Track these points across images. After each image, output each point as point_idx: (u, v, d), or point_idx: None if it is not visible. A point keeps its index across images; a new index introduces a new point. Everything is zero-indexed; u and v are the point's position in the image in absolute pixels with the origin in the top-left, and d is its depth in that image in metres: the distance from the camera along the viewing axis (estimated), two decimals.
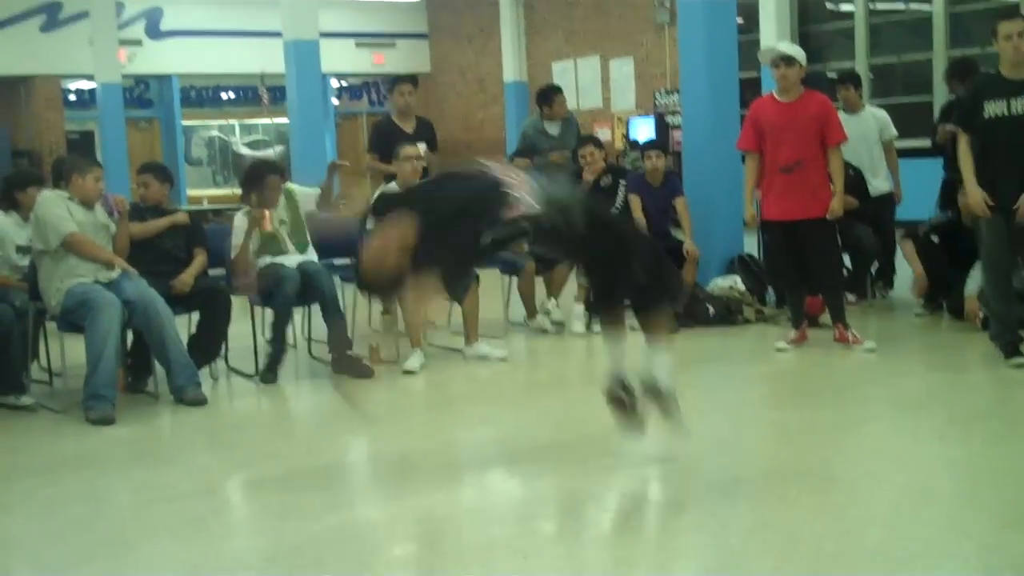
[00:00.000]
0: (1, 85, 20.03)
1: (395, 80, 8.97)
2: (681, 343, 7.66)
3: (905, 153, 9.24)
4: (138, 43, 19.86)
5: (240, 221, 7.14)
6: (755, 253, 8.53)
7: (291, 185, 7.46)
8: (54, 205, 6.37)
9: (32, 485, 5.05)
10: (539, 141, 9.21)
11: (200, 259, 6.99)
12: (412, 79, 8.97)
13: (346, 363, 6.82)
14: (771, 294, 8.32)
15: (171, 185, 7.37)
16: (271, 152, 21.52)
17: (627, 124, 17.37)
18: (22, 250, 6.86)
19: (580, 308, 8.14)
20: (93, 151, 19.15)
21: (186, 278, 6.79)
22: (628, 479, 5.00)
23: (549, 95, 9.41)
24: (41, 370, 7.07)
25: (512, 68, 19.84)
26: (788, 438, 5.36)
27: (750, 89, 11.76)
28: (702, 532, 4.08)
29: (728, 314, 8.01)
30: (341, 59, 20.40)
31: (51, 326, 6.77)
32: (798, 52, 7.10)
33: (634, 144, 16.44)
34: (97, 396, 6.03)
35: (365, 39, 21.75)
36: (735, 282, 8.12)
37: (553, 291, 8.32)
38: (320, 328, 7.39)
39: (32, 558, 4.22)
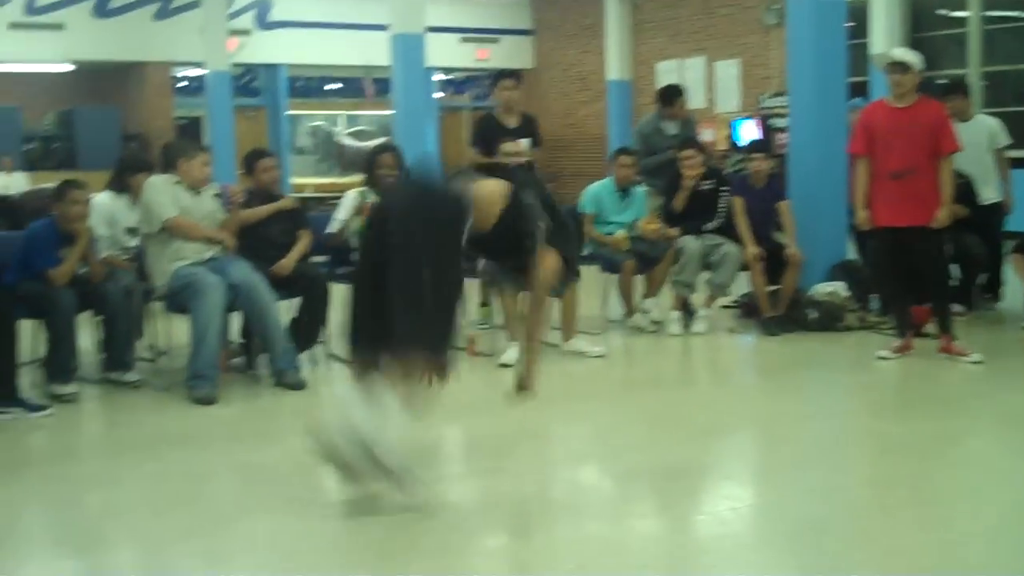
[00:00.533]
0: (114, 71, 20.51)
1: (498, 75, 8.99)
2: (782, 347, 7.60)
3: (1017, 163, 9.02)
4: (247, 32, 20.17)
5: (350, 198, 7.23)
6: (856, 259, 8.40)
7: None
8: (158, 191, 6.50)
9: (136, 460, 5.17)
10: (655, 140, 9.08)
11: (304, 241, 7.09)
12: (515, 74, 8.98)
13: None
14: (875, 301, 8.17)
15: None
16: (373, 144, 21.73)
17: (731, 126, 17.21)
18: (131, 231, 7.02)
19: (675, 314, 8.09)
20: (200, 138, 19.50)
21: (287, 262, 6.89)
22: (725, 482, 4.96)
23: (672, 96, 9.28)
24: (146, 349, 7.21)
25: (616, 66, 19.78)
26: (889, 448, 5.26)
27: (858, 94, 11.58)
28: (799, 539, 4.03)
29: (830, 320, 7.88)
30: (445, 53, 20.50)
31: (157, 305, 6.91)
32: (913, 58, 6.95)
33: (737, 146, 16.29)
34: (200, 376, 6.15)
35: (470, 34, 21.84)
36: (838, 288, 7.98)
37: (652, 290, 8.28)
38: None
39: (134, 532, 4.30)
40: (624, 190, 8.31)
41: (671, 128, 9.11)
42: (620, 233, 8.11)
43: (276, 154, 7.71)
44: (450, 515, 4.36)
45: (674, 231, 8.13)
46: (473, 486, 4.82)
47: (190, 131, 20.73)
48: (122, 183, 7.22)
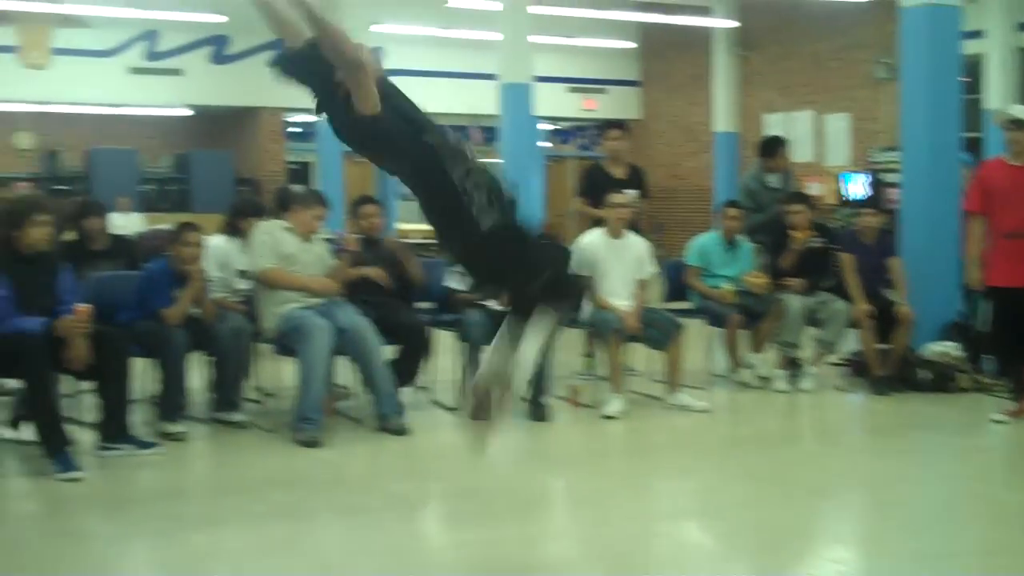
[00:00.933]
0: (229, 116, 20.99)
1: (606, 125, 9.01)
2: (892, 407, 7.45)
3: None
4: None
5: None
6: (968, 319, 8.20)
7: None
8: (259, 240, 6.63)
9: (242, 501, 5.23)
10: (761, 195, 8.99)
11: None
12: (622, 125, 8.97)
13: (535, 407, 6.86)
14: (989, 362, 7.96)
15: None
16: None
17: (840, 179, 17.01)
18: (242, 274, 7.14)
19: (780, 372, 7.96)
20: (310, 183, 19.80)
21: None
22: (832, 544, 4.86)
23: (773, 147, 9.17)
24: (254, 390, 7.31)
25: (723, 118, 19.71)
26: (1002, 516, 5.10)
27: (971, 151, 11.37)
28: None
29: (942, 380, 7.68)
30: (553, 103, 20.56)
31: (265, 347, 7.00)
32: None
33: (847, 200, 16.11)
34: (306, 419, 6.21)
35: (577, 84, 21.94)
36: (951, 348, 7.79)
37: (758, 344, 8.16)
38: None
39: (238, 573, 4.35)
40: (731, 243, 8.23)
41: (774, 181, 9.01)
42: (726, 286, 8.04)
43: (381, 201, 7.77)
44: (552, 568, 4.33)
45: (796, 281, 7.99)
46: (575, 539, 4.79)
47: (300, 176, 21.09)
48: (235, 227, 7.36)
